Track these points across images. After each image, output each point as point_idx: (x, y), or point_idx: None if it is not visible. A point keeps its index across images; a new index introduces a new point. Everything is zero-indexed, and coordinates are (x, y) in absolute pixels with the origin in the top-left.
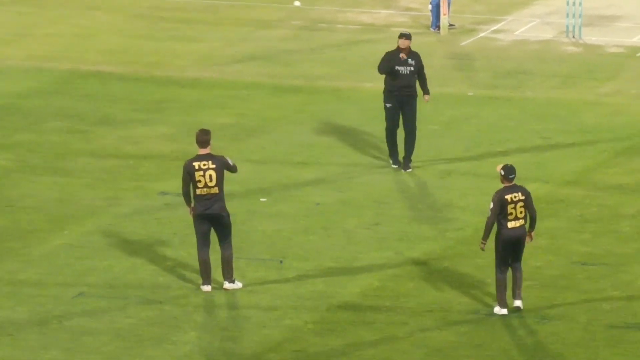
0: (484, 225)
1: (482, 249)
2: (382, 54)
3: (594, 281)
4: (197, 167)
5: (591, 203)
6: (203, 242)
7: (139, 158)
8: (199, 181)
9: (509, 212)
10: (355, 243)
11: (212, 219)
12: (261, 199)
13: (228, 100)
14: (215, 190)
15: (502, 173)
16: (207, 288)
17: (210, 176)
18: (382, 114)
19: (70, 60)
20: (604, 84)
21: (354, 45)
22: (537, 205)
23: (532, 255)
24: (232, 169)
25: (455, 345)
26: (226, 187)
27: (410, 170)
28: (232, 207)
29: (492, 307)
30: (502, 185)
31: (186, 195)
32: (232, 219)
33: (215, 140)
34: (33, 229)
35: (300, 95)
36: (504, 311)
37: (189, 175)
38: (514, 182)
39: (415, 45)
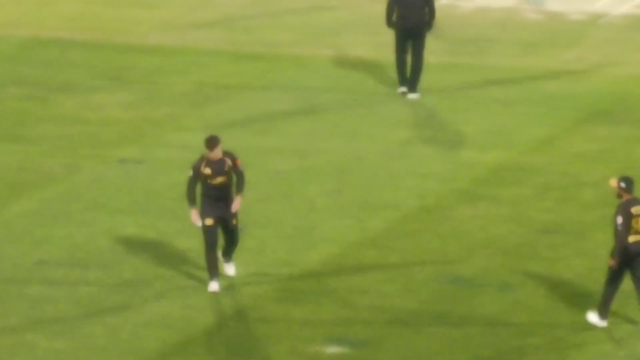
0: (446, 193)
1: (614, 267)
2: (343, 21)
3: (556, 249)
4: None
5: (553, 171)
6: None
7: (99, 125)
8: None
9: (632, 225)
10: (316, 211)
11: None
12: None
13: (188, 67)
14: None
15: (623, 186)
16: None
17: None
18: (342, 82)
19: (30, 26)
20: (566, 52)
21: (315, 11)
22: (499, 173)
23: (493, 223)
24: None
25: (416, 313)
26: (186, 155)
27: (415, 97)
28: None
29: (454, 274)
30: (622, 199)
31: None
32: None
33: (176, 107)
34: None
35: (260, 63)
36: (604, 323)
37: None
38: (634, 194)
39: (376, 16)
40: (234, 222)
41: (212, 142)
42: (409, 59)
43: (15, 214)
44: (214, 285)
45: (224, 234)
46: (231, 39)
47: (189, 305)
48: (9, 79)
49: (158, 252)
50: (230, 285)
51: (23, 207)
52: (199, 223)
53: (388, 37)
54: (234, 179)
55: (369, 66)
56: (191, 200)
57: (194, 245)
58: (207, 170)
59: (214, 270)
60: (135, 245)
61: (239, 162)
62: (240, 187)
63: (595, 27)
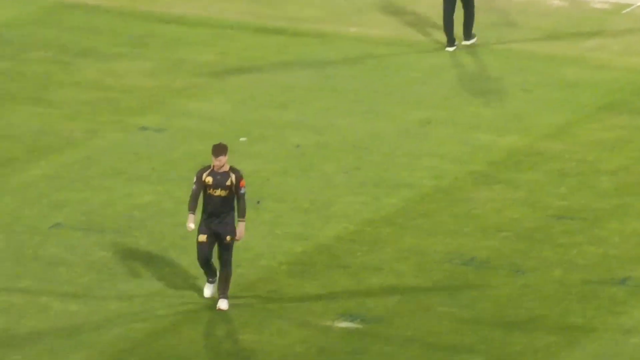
0: (462, 175)
1: None
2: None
3: (570, 235)
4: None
5: (570, 157)
6: None
7: (120, 92)
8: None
9: None
10: (333, 187)
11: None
12: (240, 139)
13: (211, 38)
14: None
15: None
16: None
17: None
18: (364, 60)
19: None
20: (588, 40)
21: None
22: (515, 158)
23: (508, 207)
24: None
25: (428, 292)
26: (206, 125)
27: (472, 41)
28: (211, 145)
29: (467, 256)
30: None
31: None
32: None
33: (197, 78)
34: (11, 158)
35: (283, 37)
36: None
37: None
38: None
39: None
40: (228, 238)
41: (217, 148)
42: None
43: (33, 177)
44: (207, 291)
45: (218, 250)
46: (255, 12)
47: (202, 275)
48: (33, 43)
49: (174, 220)
50: (244, 258)
51: (42, 170)
52: (191, 227)
53: (411, 17)
54: (235, 199)
55: (391, 45)
56: (190, 207)
57: None
58: (209, 179)
59: (208, 276)
60: (151, 212)
61: (244, 183)
62: (241, 212)
63: (619, 17)
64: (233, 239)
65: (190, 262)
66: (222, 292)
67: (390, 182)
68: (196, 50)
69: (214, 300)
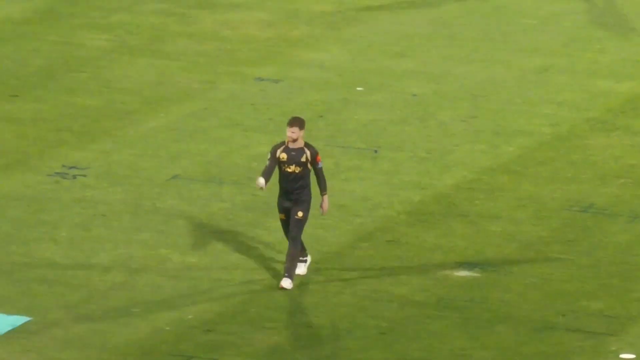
0: (580, 122)
1: None
2: None
3: None
4: None
5: None
6: None
7: (237, 42)
8: None
9: None
10: (450, 135)
11: None
12: (358, 88)
13: None
14: None
15: None
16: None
17: None
18: (481, 7)
19: None
20: None
21: None
22: (633, 104)
23: (627, 153)
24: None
25: (546, 240)
26: (323, 75)
27: None
28: (329, 95)
29: (586, 203)
30: None
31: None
32: (328, 107)
33: (314, 28)
34: (129, 110)
35: None
36: None
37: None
38: None
39: None
40: (300, 214)
41: (293, 119)
42: None
43: (151, 129)
44: (285, 282)
45: (289, 226)
46: None
47: (321, 225)
48: None
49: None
50: (362, 207)
51: (159, 122)
52: (260, 185)
53: None
54: (313, 175)
55: None
56: (263, 173)
57: (328, 166)
58: (283, 156)
59: (289, 266)
60: None
61: (320, 157)
62: (322, 187)
63: None
64: (305, 215)
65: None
66: (287, 270)
67: (508, 129)
68: (312, 0)
69: (336, 252)
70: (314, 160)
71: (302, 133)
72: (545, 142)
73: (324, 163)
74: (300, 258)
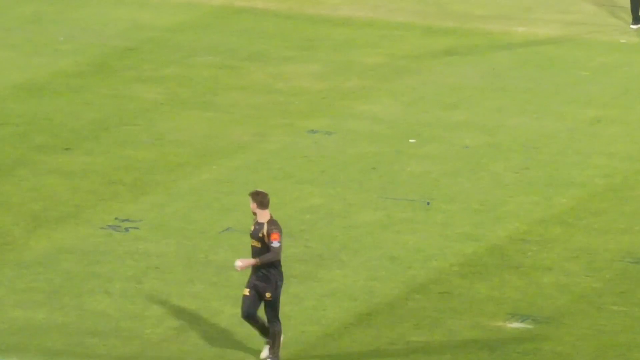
0: (633, 173)
1: None
2: None
3: None
4: None
5: None
6: None
7: (289, 95)
8: None
9: None
10: (503, 187)
11: None
12: (410, 140)
13: (379, 39)
14: None
15: None
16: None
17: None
18: (532, 58)
19: None
20: None
21: None
22: None
23: None
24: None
25: (599, 292)
26: (375, 127)
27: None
28: (381, 147)
29: (638, 254)
30: None
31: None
32: (380, 158)
33: (365, 80)
34: (181, 163)
35: (451, 37)
36: None
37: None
38: None
39: None
40: (267, 294)
41: (254, 195)
42: None
43: (204, 181)
44: (263, 352)
45: (264, 307)
46: (422, 12)
47: (374, 277)
48: (201, 47)
49: (344, 223)
50: (415, 259)
51: (212, 175)
52: (238, 266)
53: (578, 16)
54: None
55: (559, 43)
56: None
57: (381, 218)
58: (251, 228)
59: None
60: (321, 215)
61: (274, 237)
62: (263, 257)
63: None
64: (273, 296)
65: (361, 263)
66: (270, 351)
67: (561, 181)
68: (364, 52)
69: (389, 303)
70: (269, 238)
71: (258, 208)
72: (597, 193)
73: (282, 244)
74: (266, 339)
